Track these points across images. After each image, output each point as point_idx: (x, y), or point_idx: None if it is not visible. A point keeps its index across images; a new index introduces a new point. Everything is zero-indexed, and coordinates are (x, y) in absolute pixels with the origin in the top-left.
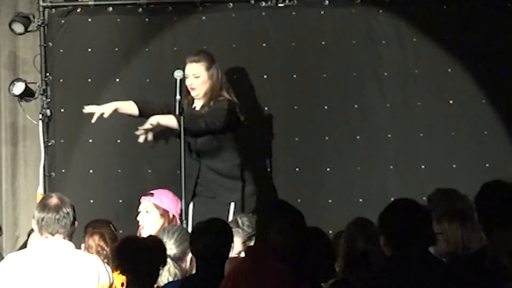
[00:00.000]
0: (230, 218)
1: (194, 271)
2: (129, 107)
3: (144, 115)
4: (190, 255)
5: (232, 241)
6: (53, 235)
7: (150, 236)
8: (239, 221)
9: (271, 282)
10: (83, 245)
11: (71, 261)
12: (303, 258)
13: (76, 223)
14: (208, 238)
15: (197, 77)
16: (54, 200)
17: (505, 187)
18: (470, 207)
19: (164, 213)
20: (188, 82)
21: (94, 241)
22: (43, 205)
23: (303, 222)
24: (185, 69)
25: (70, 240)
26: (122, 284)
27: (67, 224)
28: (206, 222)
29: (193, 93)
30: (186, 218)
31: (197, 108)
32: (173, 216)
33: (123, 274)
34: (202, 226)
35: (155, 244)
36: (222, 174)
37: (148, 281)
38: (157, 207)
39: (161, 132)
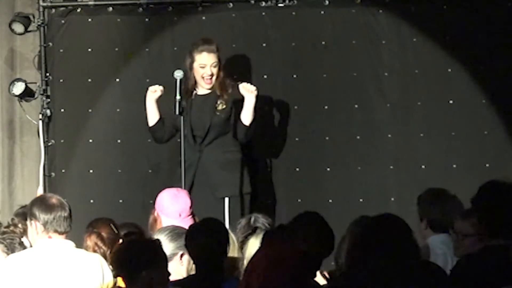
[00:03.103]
0: (226, 213)
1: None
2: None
3: (156, 129)
4: (179, 255)
5: (227, 240)
6: (61, 233)
7: (149, 238)
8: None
9: (281, 263)
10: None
11: (76, 260)
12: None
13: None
14: (202, 238)
15: (215, 67)
16: (54, 199)
17: (504, 187)
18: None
19: None
20: (205, 72)
21: (91, 241)
22: (47, 205)
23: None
24: (197, 57)
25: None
26: None
27: (70, 223)
28: (200, 222)
29: (207, 85)
30: None
31: (201, 93)
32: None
33: (123, 279)
34: (196, 226)
35: (153, 246)
36: (222, 166)
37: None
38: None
39: (162, 132)
